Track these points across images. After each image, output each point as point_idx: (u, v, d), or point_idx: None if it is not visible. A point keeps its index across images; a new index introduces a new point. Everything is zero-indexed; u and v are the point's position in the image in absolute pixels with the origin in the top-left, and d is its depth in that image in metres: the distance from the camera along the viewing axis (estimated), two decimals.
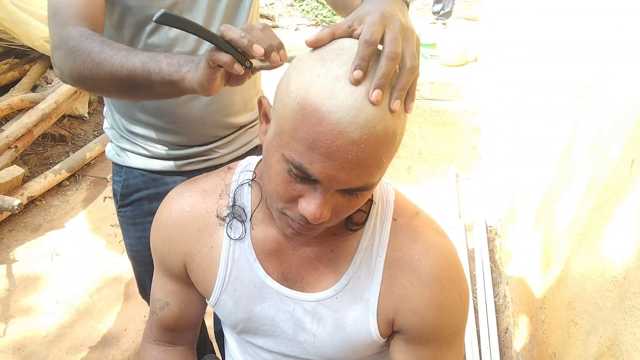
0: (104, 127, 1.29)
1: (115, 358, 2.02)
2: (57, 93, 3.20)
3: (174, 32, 1.05)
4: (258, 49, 0.68)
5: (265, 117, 0.72)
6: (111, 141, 1.27)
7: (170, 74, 0.77)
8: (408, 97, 0.63)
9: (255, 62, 0.71)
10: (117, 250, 2.60)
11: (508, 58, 2.99)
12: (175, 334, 1.02)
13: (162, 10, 0.66)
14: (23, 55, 3.83)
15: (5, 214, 2.68)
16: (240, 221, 0.85)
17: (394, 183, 3.04)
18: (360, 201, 0.68)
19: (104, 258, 2.55)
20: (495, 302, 2.22)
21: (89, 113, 3.77)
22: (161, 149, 1.20)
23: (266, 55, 0.70)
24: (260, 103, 0.73)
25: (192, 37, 1.06)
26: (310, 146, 0.59)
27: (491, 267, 2.41)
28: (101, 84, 0.85)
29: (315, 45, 0.64)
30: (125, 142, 1.23)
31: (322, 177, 0.61)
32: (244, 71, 0.70)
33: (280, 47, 0.71)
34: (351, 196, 0.66)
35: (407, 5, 0.74)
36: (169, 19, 0.67)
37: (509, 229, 2.32)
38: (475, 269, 2.41)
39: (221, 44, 0.68)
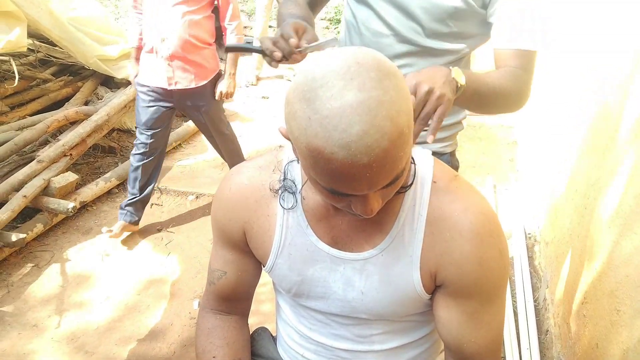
0: None
1: (162, 350, 2.10)
2: (109, 106, 3.39)
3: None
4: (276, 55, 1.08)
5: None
6: None
7: None
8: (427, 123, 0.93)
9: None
10: (163, 252, 2.70)
11: (541, 69, 3.01)
12: (231, 303, 1.09)
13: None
14: (76, 73, 4.07)
15: (60, 217, 2.84)
16: (291, 192, 0.93)
17: None
18: (401, 182, 0.74)
19: (151, 259, 2.67)
20: (535, 306, 2.21)
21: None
22: None
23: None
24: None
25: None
26: (332, 178, 0.67)
27: (530, 273, 2.40)
28: None
29: None
30: None
31: (356, 193, 0.69)
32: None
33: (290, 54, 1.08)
34: (390, 185, 0.72)
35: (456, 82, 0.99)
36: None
37: (549, 234, 2.32)
38: (515, 274, 2.41)
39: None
